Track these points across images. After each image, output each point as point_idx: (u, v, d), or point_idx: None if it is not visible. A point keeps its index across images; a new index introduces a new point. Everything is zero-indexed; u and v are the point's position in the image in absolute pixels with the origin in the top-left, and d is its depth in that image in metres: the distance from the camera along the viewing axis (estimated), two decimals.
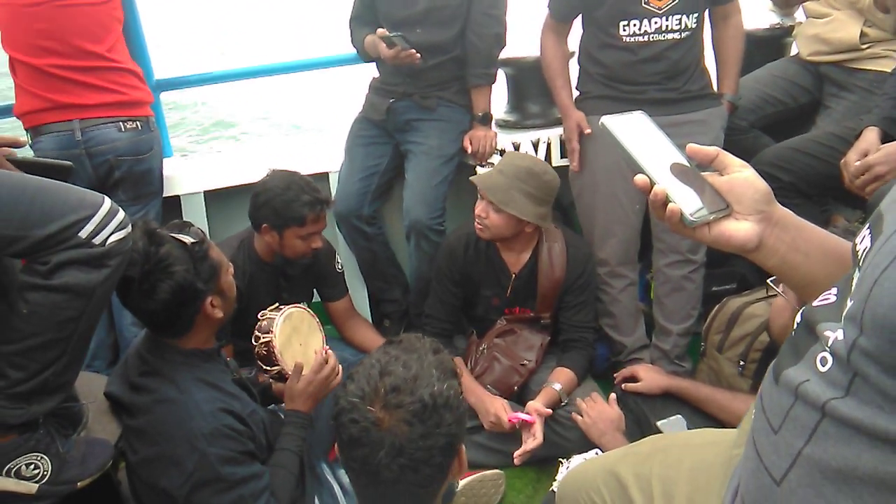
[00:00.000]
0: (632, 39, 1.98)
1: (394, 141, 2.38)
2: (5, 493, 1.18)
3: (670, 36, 1.97)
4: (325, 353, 1.57)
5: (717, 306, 2.01)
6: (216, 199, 2.48)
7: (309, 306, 2.07)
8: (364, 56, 2.37)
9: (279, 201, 1.89)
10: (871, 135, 1.77)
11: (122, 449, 1.38)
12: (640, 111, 0.84)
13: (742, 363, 1.85)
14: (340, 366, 1.62)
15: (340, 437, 0.91)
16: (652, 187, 0.75)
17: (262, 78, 2.76)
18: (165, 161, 2.59)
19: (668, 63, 2.00)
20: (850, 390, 0.57)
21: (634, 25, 1.96)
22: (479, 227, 1.93)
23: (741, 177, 0.74)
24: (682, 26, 1.98)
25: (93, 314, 1.16)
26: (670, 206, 0.73)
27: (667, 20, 1.96)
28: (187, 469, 1.24)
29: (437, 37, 2.20)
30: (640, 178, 0.77)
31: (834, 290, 0.66)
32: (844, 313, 0.59)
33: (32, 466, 1.20)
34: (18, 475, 1.18)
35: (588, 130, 2.08)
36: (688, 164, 0.77)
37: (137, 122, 2.06)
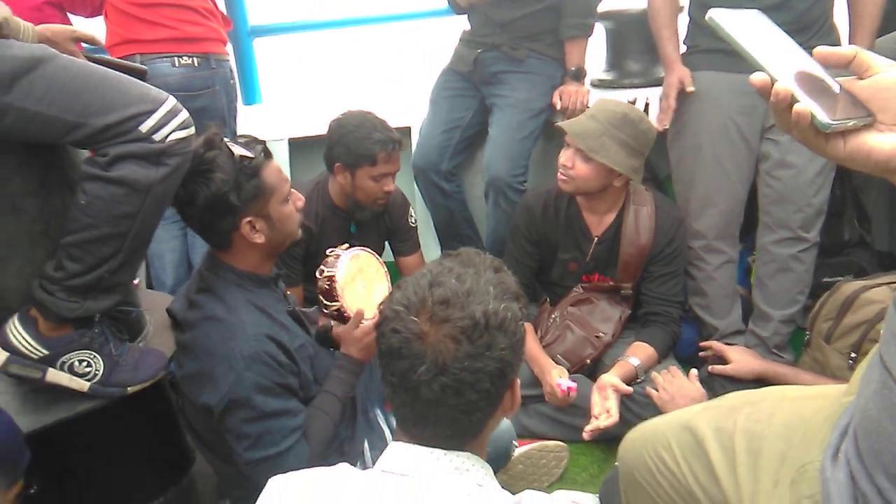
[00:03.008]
0: None
1: (480, 95, 2.28)
2: (58, 388, 1.19)
3: None
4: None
5: (829, 291, 1.77)
6: (300, 147, 2.48)
7: None
8: (455, 6, 2.28)
9: (352, 138, 1.85)
10: None
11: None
12: (755, 10, 0.70)
13: (853, 355, 1.62)
14: None
15: (380, 347, 0.82)
16: (772, 86, 0.61)
17: (352, 28, 2.74)
18: (253, 108, 2.63)
19: (792, 14, 1.77)
20: None
21: None
22: (563, 178, 1.77)
23: (888, 77, 0.58)
24: None
25: (149, 214, 1.14)
26: (797, 108, 0.59)
27: None
28: (222, 388, 1.19)
29: None
30: (757, 77, 0.62)
31: None
32: None
33: (85, 364, 1.20)
34: (72, 370, 1.19)
35: (691, 88, 1.88)
36: (816, 65, 0.63)
37: (194, 59, 2.06)
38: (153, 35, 2.05)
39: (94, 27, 2.24)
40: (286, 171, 2.44)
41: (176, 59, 2.06)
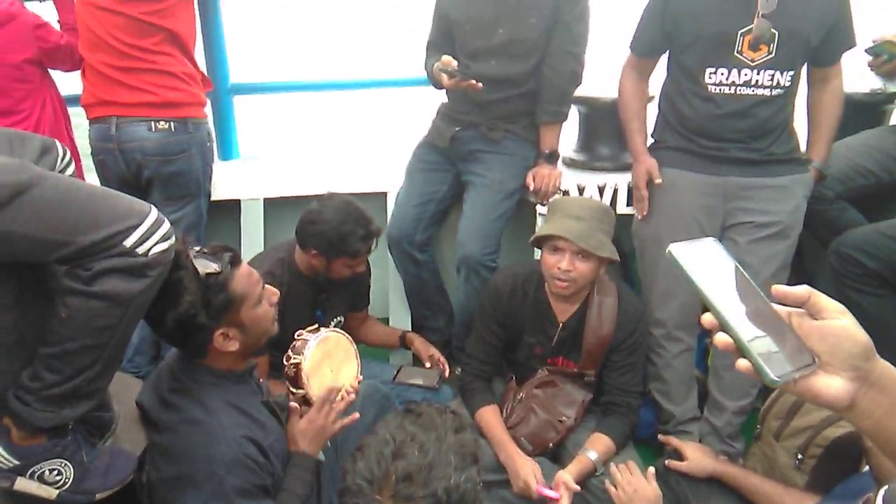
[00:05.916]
0: (717, 90, 1.87)
1: (455, 169, 2.34)
2: (26, 496, 1.18)
3: (760, 92, 1.86)
4: (330, 392, 1.49)
5: (778, 391, 1.86)
6: (275, 206, 2.49)
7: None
8: (434, 82, 2.33)
9: (334, 234, 1.88)
10: None
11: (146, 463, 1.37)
12: (711, 238, 0.75)
13: (800, 456, 1.70)
14: (354, 395, 1.55)
15: None
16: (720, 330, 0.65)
17: (333, 92, 2.78)
18: (229, 164, 2.63)
19: (754, 121, 1.88)
20: None
21: (722, 74, 1.85)
22: (564, 284, 1.79)
23: (838, 325, 0.64)
24: (774, 83, 1.85)
25: (129, 323, 1.15)
26: (741, 363, 0.63)
27: (758, 74, 1.84)
28: (203, 494, 1.21)
29: (511, 69, 2.14)
30: (707, 319, 0.66)
31: None
32: None
33: (56, 472, 1.19)
34: (41, 479, 1.18)
35: (659, 180, 1.97)
36: (767, 304, 0.67)
37: (171, 123, 2.06)
38: (131, 99, 2.04)
39: (73, 81, 2.24)
40: (260, 232, 2.47)
41: (153, 123, 2.06)
